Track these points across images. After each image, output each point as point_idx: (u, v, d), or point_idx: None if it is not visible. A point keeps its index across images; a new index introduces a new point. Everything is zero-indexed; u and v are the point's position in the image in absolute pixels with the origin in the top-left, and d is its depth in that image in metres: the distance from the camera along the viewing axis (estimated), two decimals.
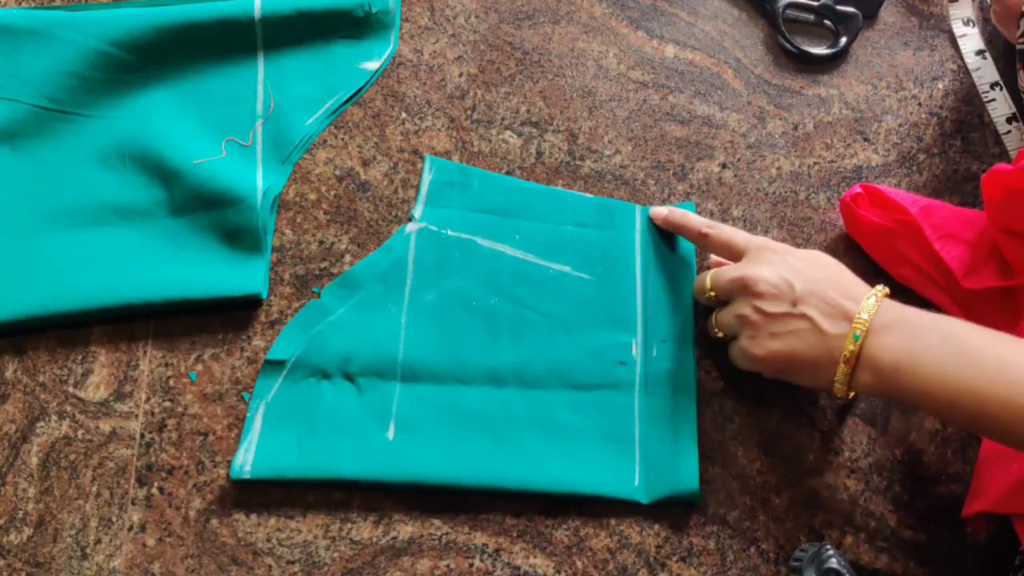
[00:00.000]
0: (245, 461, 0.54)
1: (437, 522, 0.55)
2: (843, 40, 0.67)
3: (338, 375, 0.57)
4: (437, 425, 0.56)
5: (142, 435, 0.56)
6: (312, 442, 0.55)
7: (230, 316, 0.58)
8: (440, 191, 0.61)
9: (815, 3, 0.67)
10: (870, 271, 0.62)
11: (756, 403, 0.59)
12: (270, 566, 0.54)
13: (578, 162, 0.63)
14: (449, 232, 0.60)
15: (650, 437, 0.57)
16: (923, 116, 0.67)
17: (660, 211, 0.61)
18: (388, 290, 0.59)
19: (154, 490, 0.55)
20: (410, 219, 0.61)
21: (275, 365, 0.57)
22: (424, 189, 0.61)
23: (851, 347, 0.49)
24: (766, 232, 0.63)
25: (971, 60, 0.68)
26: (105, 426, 0.56)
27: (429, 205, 0.61)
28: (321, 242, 0.60)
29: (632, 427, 0.57)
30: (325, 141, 0.62)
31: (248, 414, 0.56)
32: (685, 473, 0.56)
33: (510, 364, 0.58)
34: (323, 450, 0.55)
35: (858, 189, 0.61)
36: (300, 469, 0.54)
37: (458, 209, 0.61)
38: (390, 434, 0.56)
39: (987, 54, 0.68)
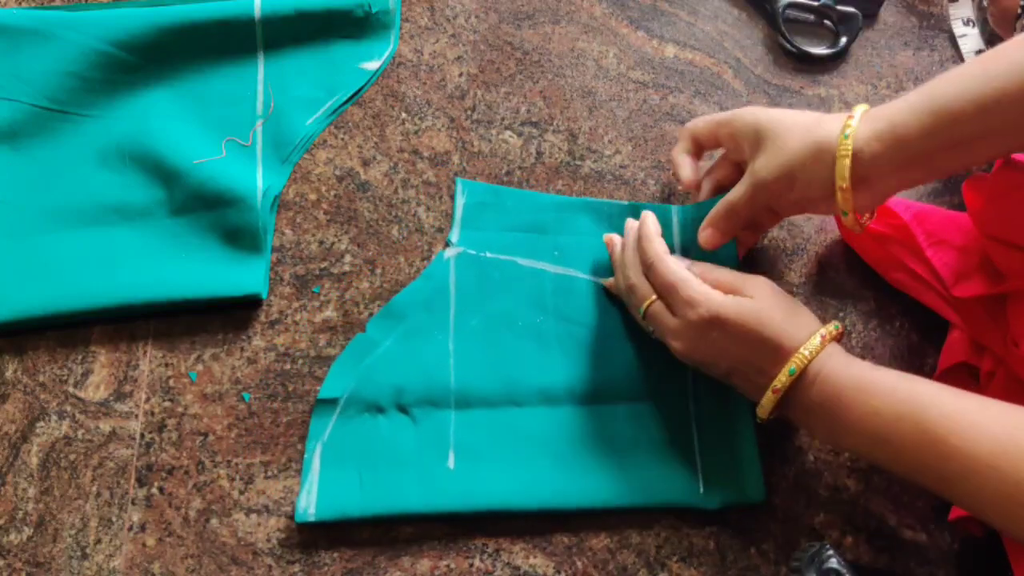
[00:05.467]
0: (308, 504, 0.54)
1: (437, 522, 0.55)
2: (843, 40, 0.67)
3: (392, 408, 0.56)
4: (496, 450, 0.56)
5: (142, 435, 0.56)
6: (373, 478, 0.54)
7: (230, 316, 0.58)
8: (475, 213, 0.61)
9: (815, 3, 0.67)
10: (868, 275, 0.62)
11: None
12: (270, 566, 0.54)
13: (578, 162, 0.63)
14: (488, 254, 0.60)
15: (709, 442, 0.57)
16: None
17: (631, 226, 0.59)
18: (433, 317, 0.58)
19: (154, 490, 0.55)
20: (447, 244, 0.60)
21: (327, 404, 0.56)
22: (458, 212, 0.61)
23: (778, 389, 0.50)
24: (766, 232, 0.63)
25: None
26: (105, 426, 0.56)
27: (465, 228, 0.61)
28: (321, 242, 0.60)
29: (690, 433, 0.57)
30: (325, 141, 0.62)
31: (305, 455, 0.55)
32: (750, 477, 0.56)
33: (562, 381, 0.57)
34: (385, 485, 0.54)
35: None
36: (364, 506, 0.54)
37: (494, 230, 0.61)
38: (450, 463, 0.55)
39: None
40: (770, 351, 0.49)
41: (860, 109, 0.50)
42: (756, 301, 0.51)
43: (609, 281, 0.60)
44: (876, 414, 0.46)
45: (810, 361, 0.48)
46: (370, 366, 0.57)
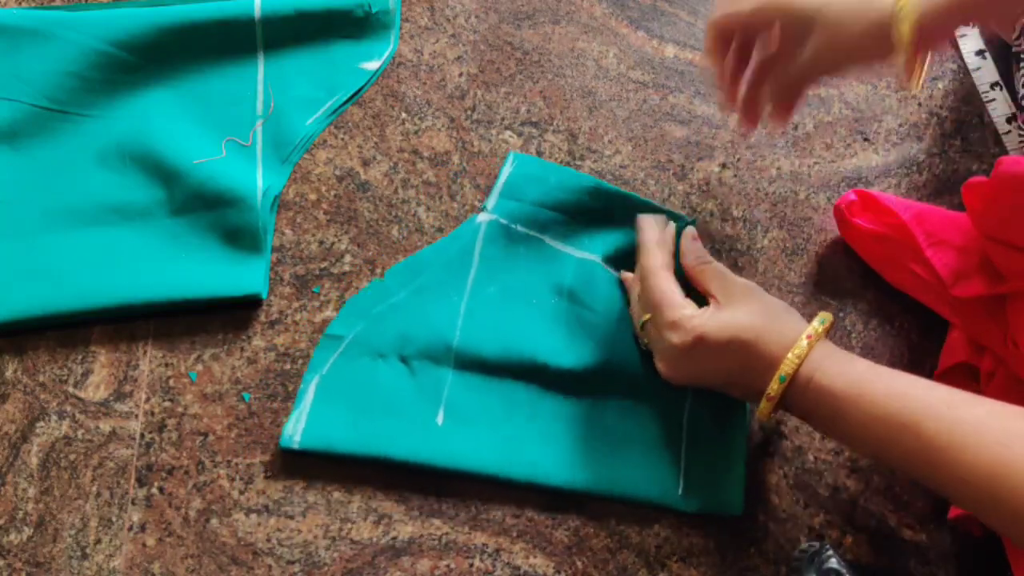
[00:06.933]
0: (295, 431, 0.55)
1: (437, 522, 0.55)
2: None
3: (393, 356, 0.57)
4: (486, 415, 0.57)
5: (142, 435, 0.56)
6: (362, 419, 0.55)
7: (230, 316, 0.58)
8: (517, 183, 0.61)
9: None
10: (868, 275, 0.62)
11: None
12: (270, 566, 0.54)
13: (578, 162, 0.63)
14: (518, 227, 0.60)
15: (697, 447, 0.57)
16: (923, 116, 0.67)
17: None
18: (451, 277, 0.59)
19: (154, 490, 0.55)
20: (482, 209, 0.61)
21: (333, 339, 0.57)
22: (501, 181, 0.61)
23: (775, 389, 0.49)
24: (766, 232, 0.63)
25: (971, 60, 0.68)
26: (105, 426, 0.56)
27: (503, 197, 0.61)
28: (321, 242, 0.60)
29: (680, 436, 0.57)
30: (325, 141, 0.62)
31: (301, 385, 0.56)
32: (731, 489, 0.56)
33: (563, 364, 0.57)
34: (373, 428, 0.55)
35: (852, 196, 0.61)
36: (349, 444, 0.55)
37: (530, 204, 0.61)
38: (439, 419, 0.56)
39: (987, 54, 0.68)
40: (757, 360, 0.49)
41: None
42: (737, 311, 0.50)
43: (627, 275, 0.60)
44: (873, 423, 0.46)
45: (800, 365, 0.48)
46: (381, 312, 0.58)
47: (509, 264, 0.60)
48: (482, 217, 0.60)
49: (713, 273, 0.53)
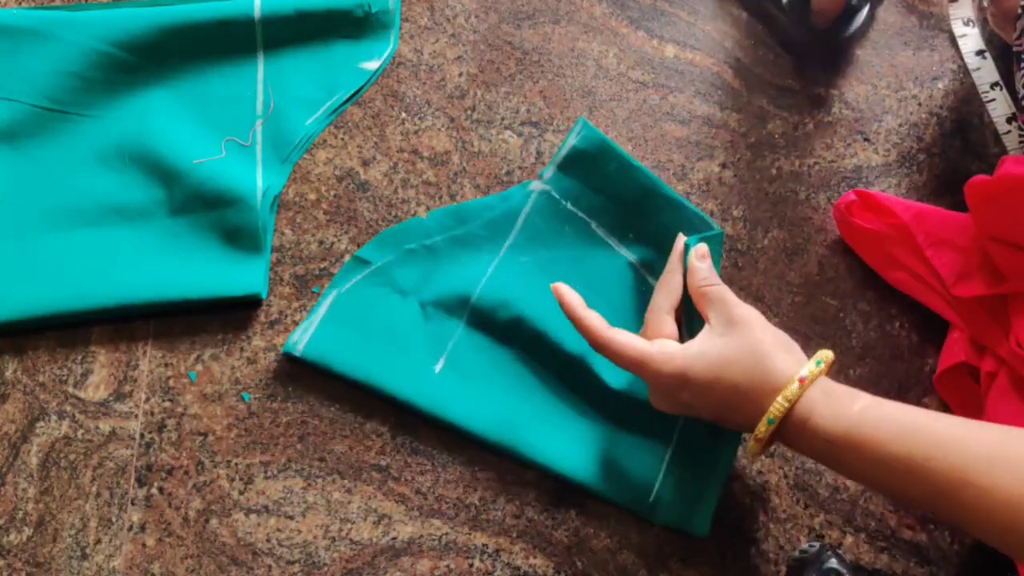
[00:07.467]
0: (301, 340, 0.56)
1: (437, 522, 0.55)
2: (859, 16, 0.65)
3: (412, 295, 0.59)
4: (483, 375, 0.57)
5: (142, 435, 0.56)
6: (366, 345, 0.57)
7: (230, 316, 0.58)
8: (576, 160, 0.61)
9: None
10: (868, 275, 0.62)
11: None
12: (270, 566, 0.54)
13: None
14: (568, 205, 0.61)
15: (679, 462, 0.56)
16: (923, 116, 0.67)
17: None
18: (490, 236, 0.60)
19: (154, 490, 0.55)
20: (539, 176, 0.61)
21: (361, 262, 0.59)
22: (564, 150, 0.61)
23: (763, 430, 0.48)
24: (766, 232, 0.63)
25: (971, 60, 0.68)
26: (105, 426, 0.56)
27: (560, 169, 0.61)
28: (321, 242, 0.60)
29: (666, 448, 0.57)
30: (325, 141, 0.62)
31: (320, 297, 0.58)
32: (701, 510, 0.55)
33: (569, 350, 0.58)
34: (373, 357, 0.56)
35: (852, 196, 0.61)
36: (346, 365, 0.56)
37: (585, 184, 0.61)
38: (438, 367, 0.57)
39: (987, 54, 0.68)
40: (744, 400, 0.48)
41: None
42: (728, 344, 0.48)
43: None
44: (875, 467, 0.45)
45: (790, 408, 0.46)
46: (413, 251, 0.59)
47: (549, 239, 0.60)
48: (535, 185, 0.61)
49: (714, 297, 0.51)
